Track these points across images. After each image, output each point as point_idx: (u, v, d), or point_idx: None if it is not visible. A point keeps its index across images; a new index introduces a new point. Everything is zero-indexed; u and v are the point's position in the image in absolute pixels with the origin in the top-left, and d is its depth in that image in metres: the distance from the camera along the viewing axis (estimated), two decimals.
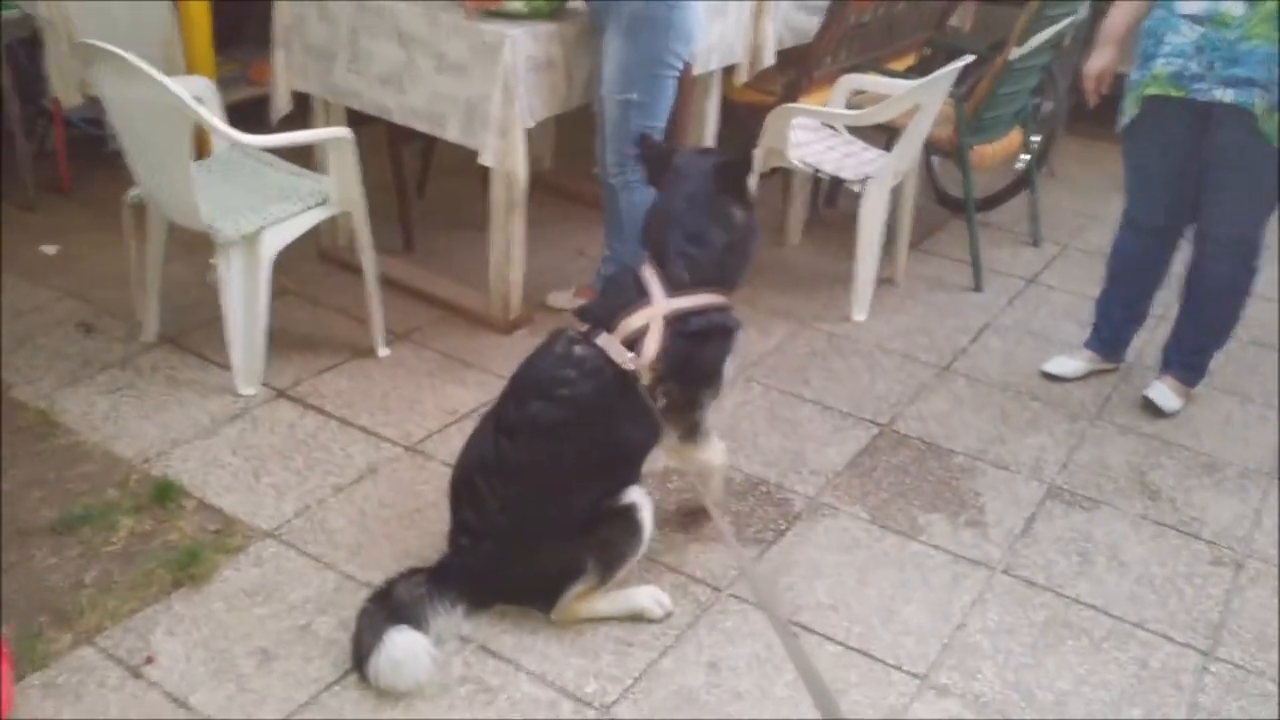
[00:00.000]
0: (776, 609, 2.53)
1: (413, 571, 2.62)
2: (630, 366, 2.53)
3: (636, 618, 2.68)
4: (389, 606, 2.50)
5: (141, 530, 2.85)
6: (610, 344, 2.56)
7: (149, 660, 2.47)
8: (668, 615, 2.70)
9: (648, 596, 2.72)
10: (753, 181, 2.72)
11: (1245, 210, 3.45)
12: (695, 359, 2.62)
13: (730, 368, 2.74)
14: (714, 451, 2.85)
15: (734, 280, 2.73)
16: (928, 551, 3.01)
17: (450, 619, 2.57)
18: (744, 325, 2.77)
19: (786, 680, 2.55)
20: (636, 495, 2.67)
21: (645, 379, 2.55)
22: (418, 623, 2.47)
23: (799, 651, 1.76)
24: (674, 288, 2.61)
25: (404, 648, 2.40)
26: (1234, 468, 3.46)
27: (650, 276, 2.63)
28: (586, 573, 2.61)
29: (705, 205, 2.66)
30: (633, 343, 2.56)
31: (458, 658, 2.54)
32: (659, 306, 2.59)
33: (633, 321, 2.57)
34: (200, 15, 4.31)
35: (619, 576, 2.66)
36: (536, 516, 2.58)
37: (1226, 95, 3.23)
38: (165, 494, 2.96)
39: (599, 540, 2.62)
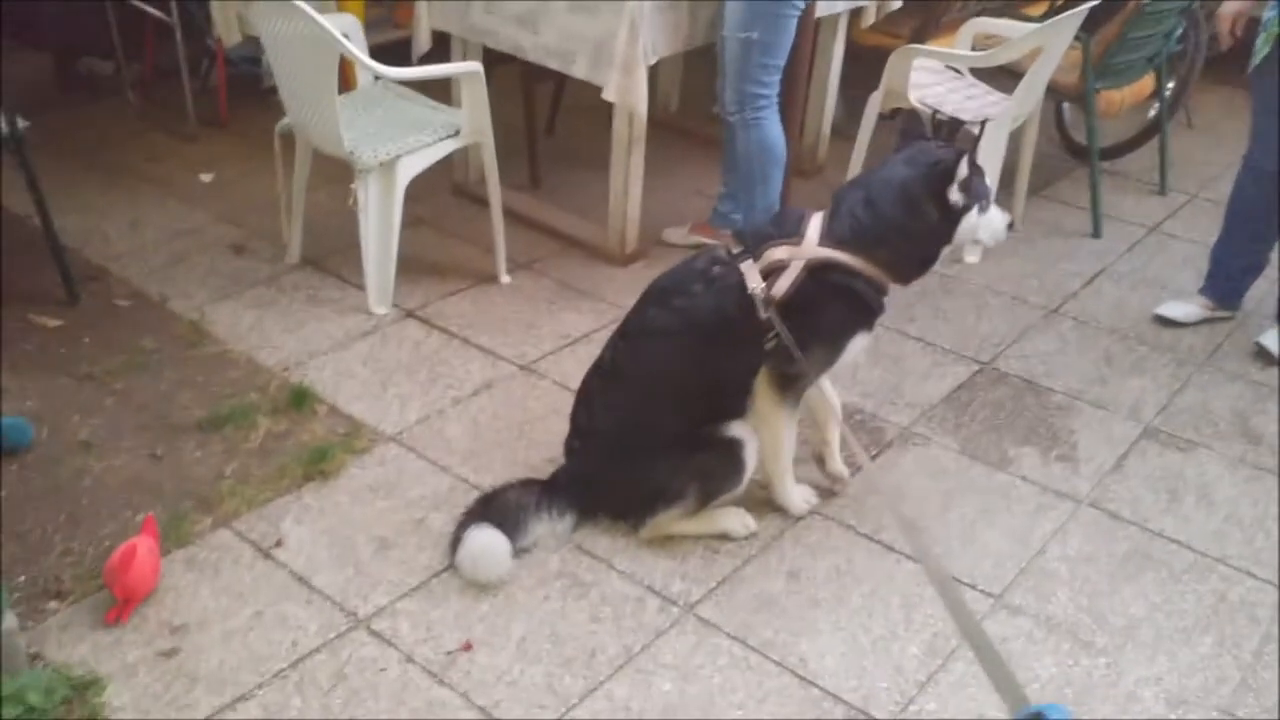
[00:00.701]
0: (900, 508, 2.70)
1: (528, 481, 2.83)
2: (755, 292, 2.58)
3: (722, 536, 2.82)
4: (488, 508, 2.71)
5: (278, 430, 3.13)
6: (749, 269, 2.61)
7: (279, 544, 2.74)
8: (751, 535, 2.83)
9: (735, 518, 2.82)
10: (957, 195, 2.58)
11: None
12: (817, 311, 2.60)
13: (854, 348, 2.72)
14: (778, 423, 2.76)
15: (898, 267, 2.65)
16: (1014, 482, 3.09)
17: (556, 526, 2.77)
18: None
19: (863, 591, 2.69)
20: (742, 431, 2.74)
21: (766, 312, 2.58)
22: (513, 525, 2.67)
23: (921, 546, 1.87)
24: (831, 239, 2.60)
25: (481, 544, 2.61)
26: None
27: (814, 221, 2.65)
28: (685, 499, 2.73)
29: (899, 188, 2.60)
30: (771, 275, 2.60)
31: (554, 555, 2.74)
32: (807, 247, 2.60)
33: (776, 253, 2.61)
34: None
35: (720, 500, 2.79)
36: (639, 425, 2.72)
37: None
38: (301, 399, 3.23)
39: (700, 468, 2.73)
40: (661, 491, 2.74)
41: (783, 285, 2.59)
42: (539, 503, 2.76)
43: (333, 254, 3.99)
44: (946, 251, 2.70)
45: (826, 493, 2.98)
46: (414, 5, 4.28)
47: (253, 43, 4.72)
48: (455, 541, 2.67)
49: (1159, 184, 4.94)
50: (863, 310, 2.68)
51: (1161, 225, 4.65)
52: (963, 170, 2.55)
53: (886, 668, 2.49)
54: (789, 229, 2.65)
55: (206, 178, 4.58)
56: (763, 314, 2.58)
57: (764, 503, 2.93)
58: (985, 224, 2.70)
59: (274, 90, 4.87)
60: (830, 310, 2.63)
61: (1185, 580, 2.79)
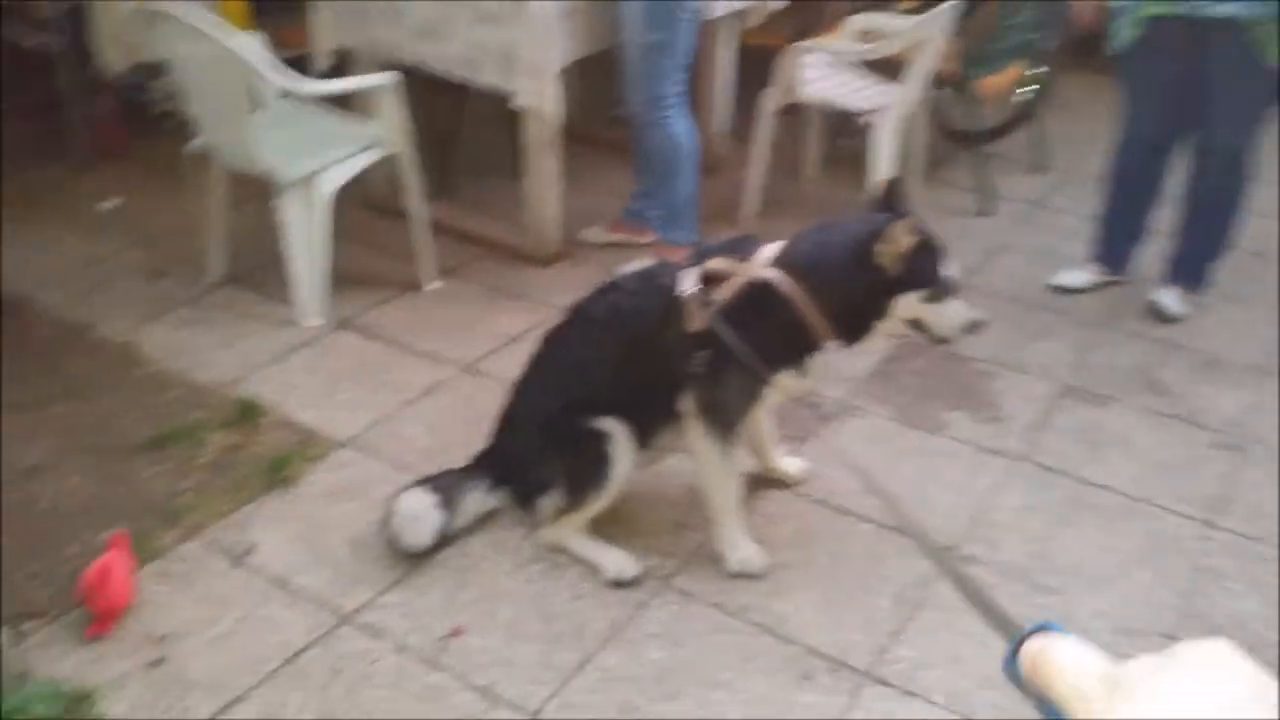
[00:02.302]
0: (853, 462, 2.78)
1: (449, 470, 2.88)
2: (683, 293, 2.52)
3: (598, 569, 2.73)
4: (414, 484, 2.77)
5: (229, 444, 3.11)
6: (687, 273, 2.56)
7: (250, 550, 2.74)
8: (622, 582, 2.69)
9: (613, 556, 2.72)
10: (891, 269, 2.44)
11: (1240, 123, 3.68)
12: (750, 332, 2.49)
13: (783, 384, 2.62)
14: (711, 459, 2.67)
15: (833, 318, 2.51)
16: (950, 444, 3.27)
17: (477, 494, 2.81)
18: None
19: (828, 551, 2.84)
20: (614, 427, 2.65)
21: (694, 322, 2.51)
22: (442, 496, 2.73)
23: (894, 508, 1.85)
24: (779, 266, 2.53)
25: (409, 505, 2.70)
26: (1236, 365, 3.71)
27: (768, 249, 2.58)
28: (553, 488, 2.72)
29: (848, 243, 2.48)
30: (710, 284, 2.53)
31: (526, 542, 2.80)
32: (752, 265, 2.53)
33: (717, 264, 2.55)
34: None
35: (589, 509, 2.71)
36: (531, 402, 2.80)
37: (1223, 10, 3.44)
38: (248, 412, 3.22)
39: (567, 458, 2.70)
40: (535, 475, 2.76)
41: (720, 295, 2.51)
42: (463, 476, 2.82)
43: (256, 271, 3.96)
44: (884, 325, 2.55)
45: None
46: (306, 25, 4.28)
47: (138, 70, 4.65)
48: (388, 515, 2.72)
49: (1038, 162, 5.23)
50: (795, 345, 2.56)
51: (1045, 200, 4.94)
52: (904, 240, 2.41)
53: (859, 620, 2.62)
54: (741, 252, 2.60)
55: (109, 205, 4.49)
56: (693, 324, 2.51)
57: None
58: (936, 313, 2.53)
59: (167, 115, 4.82)
60: (759, 334, 2.50)
61: (1118, 521, 2.99)
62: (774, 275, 2.51)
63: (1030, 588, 2.75)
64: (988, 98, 5.09)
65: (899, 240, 2.42)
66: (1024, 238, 4.59)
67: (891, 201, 2.62)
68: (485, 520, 2.85)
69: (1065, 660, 0.64)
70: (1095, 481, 3.13)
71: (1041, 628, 0.70)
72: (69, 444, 3.08)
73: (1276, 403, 3.50)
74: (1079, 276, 4.17)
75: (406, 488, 2.77)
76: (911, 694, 2.45)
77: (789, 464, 3.08)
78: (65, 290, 3.83)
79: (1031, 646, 0.68)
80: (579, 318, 2.78)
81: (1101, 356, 3.74)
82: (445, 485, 2.79)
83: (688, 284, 2.55)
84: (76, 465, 2.99)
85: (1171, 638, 2.57)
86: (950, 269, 2.54)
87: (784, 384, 2.65)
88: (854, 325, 2.56)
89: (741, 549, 2.75)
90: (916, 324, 2.57)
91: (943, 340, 2.61)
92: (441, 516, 2.72)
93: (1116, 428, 3.37)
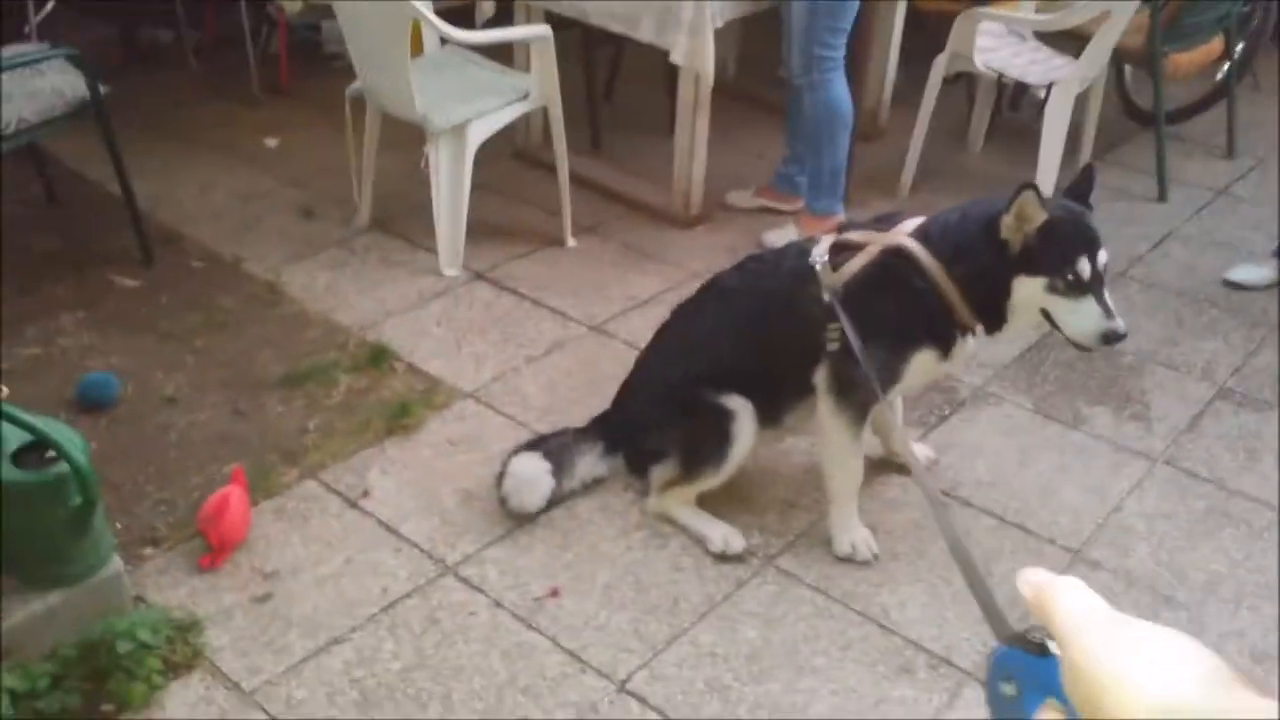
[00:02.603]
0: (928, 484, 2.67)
1: (565, 429, 2.87)
2: (816, 262, 2.47)
3: (702, 541, 2.68)
4: (529, 445, 2.78)
5: (358, 387, 3.18)
6: (823, 243, 2.52)
7: (365, 494, 2.80)
8: (726, 555, 2.64)
9: (719, 529, 2.68)
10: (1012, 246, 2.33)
11: None
12: (881, 304, 2.42)
13: (920, 364, 2.51)
14: (839, 437, 2.58)
15: (966, 295, 2.41)
16: (1089, 440, 3.09)
17: (590, 459, 2.80)
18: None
19: (941, 546, 2.69)
20: (739, 405, 2.60)
21: (829, 294, 2.43)
22: (555, 459, 2.72)
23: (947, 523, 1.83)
24: (919, 237, 2.44)
25: (522, 468, 2.69)
26: None
27: (910, 221, 2.51)
28: (668, 459, 2.69)
29: (982, 216, 2.39)
30: (844, 253, 2.47)
31: (634, 508, 2.78)
32: (890, 235, 2.46)
33: (854, 235, 2.51)
34: None
35: (701, 483, 2.68)
36: (659, 369, 2.76)
37: None
38: (379, 357, 3.28)
39: (686, 430, 2.67)
40: (652, 443, 2.73)
41: (852, 266, 2.44)
42: (577, 440, 2.81)
43: (401, 217, 4.03)
44: (1017, 311, 2.40)
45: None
46: None
47: (313, 11, 4.77)
48: (500, 475, 2.72)
49: (1226, 147, 4.89)
50: (930, 320, 2.46)
51: (1229, 189, 4.61)
52: (1029, 212, 2.28)
53: (968, 619, 2.51)
54: (884, 225, 2.53)
55: (272, 143, 4.63)
56: (823, 291, 2.44)
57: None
58: (1066, 309, 2.34)
59: (335, 57, 4.95)
60: (895, 306, 2.43)
61: (1265, 537, 2.79)
62: (911, 244, 2.42)
63: (1157, 600, 2.59)
64: (1177, 75, 4.78)
65: (1026, 214, 2.28)
66: (1202, 227, 4.31)
67: (1079, 189, 2.47)
68: (595, 484, 2.84)
69: (1069, 592, 0.64)
70: (1244, 492, 2.92)
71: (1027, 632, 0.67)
72: (207, 376, 3.19)
73: None
74: (1258, 273, 3.89)
75: (521, 448, 2.78)
76: None
77: (916, 450, 2.97)
78: (220, 225, 3.97)
79: (1033, 579, 0.67)
80: (714, 290, 2.74)
81: (1269, 359, 3.48)
82: (559, 448, 2.78)
83: (818, 253, 2.48)
84: (211, 398, 3.10)
85: None
86: (1095, 263, 2.33)
87: (924, 366, 2.54)
88: (985, 305, 2.43)
89: (853, 532, 2.67)
90: (1049, 319, 2.41)
91: (1079, 346, 2.43)
92: (553, 482, 2.72)
93: (1274, 438, 3.13)
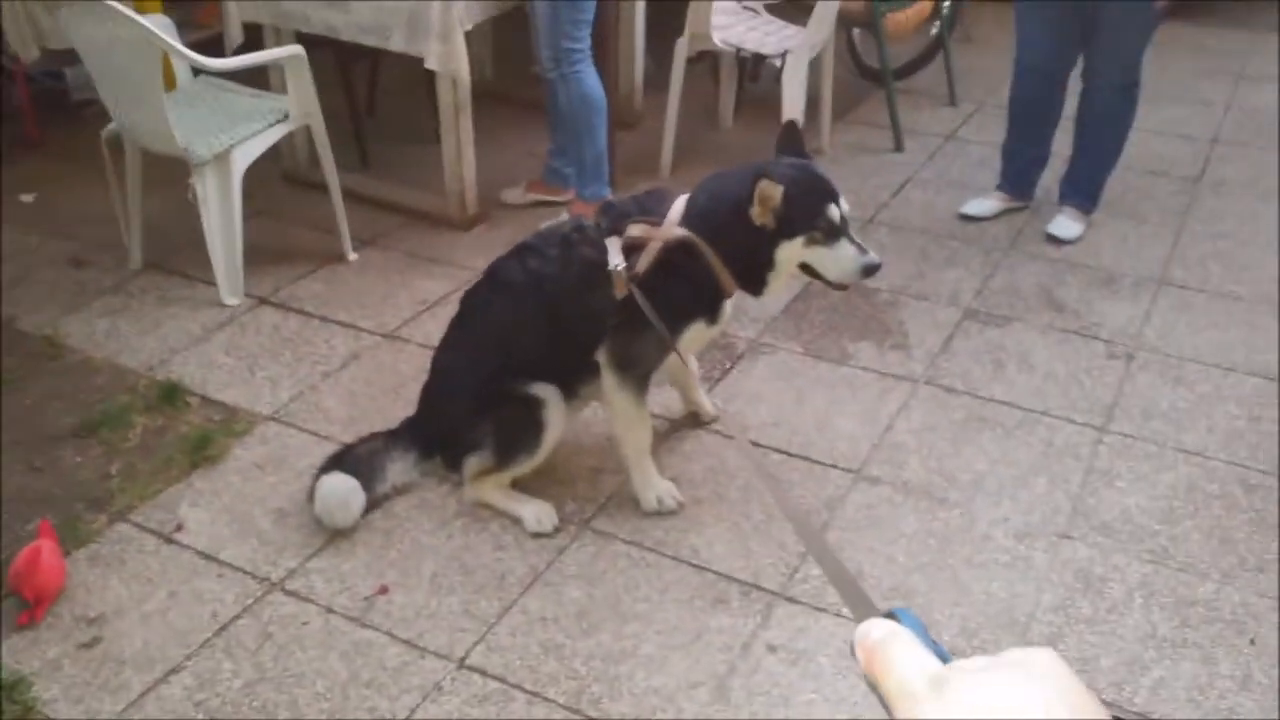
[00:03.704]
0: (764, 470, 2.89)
1: (375, 434, 2.96)
2: (617, 269, 2.59)
3: (519, 521, 2.82)
4: (340, 460, 2.84)
5: (154, 426, 3.18)
6: (613, 244, 2.63)
7: (179, 528, 2.82)
8: (542, 534, 2.78)
9: (533, 508, 2.81)
10: (760, 218, 2.53)
11: (1126, 43, 3.79)
12: (664, 291, 2.56)
13: (693, 333, 2.70)
14: (627, 407, 2.77)
15: (732, 267, 2.63)
16: (856, 373, 3.38)
17: (400, 465, 2.90)
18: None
19: (738, 485, 2.94)
20: (548, 393, 2.76)
21: (625, 290, 2.58)
22: (366, 471, 2.80)
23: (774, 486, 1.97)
24: (687, 222, 2.62)
25: (330, 488, 2.76)
26: (1129, 278, 3.85)
27: (677, 203, 2.67)
28: (481, 450, 2.80)
29: (732, 192, 2.57)
30: (632, 253, 2.62)
31: (451, 499, 2.90)
32: (666, 228, 2.62)
33: (635, 231, 2.63)
34: None
35: (516, 470, 2.82)
36: (461, 370, 2.86)
37: None
38: (171, 394, 3.28)
39: (499, 420, 2.79)
40: (464, 438, 2.83)
41: (643, 263, 2.60)
42: (387, 447, 2.90)
43: (175, 254, 4.00)
44: (775, 274, 2.63)
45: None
46: (218, 3, 4.30)
47: (54, 57, 4.66)
48: (310, 494, 2.79)
49: (949, 96, 5.33)
50: (705, 296, 2.67)
51: (957, 133, 5.04)
52: (770, 194, 2.50)
53: (770, 546, 2.74)
54: (652, 208, 2.68)
55: (27, 198, 4.50)
56: (620, 293, 2.59)
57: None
58: (826, 257, 2.58)
59: (85, 104, 4.83)
60: (675, 290, 2.61)
61: (1016, 435, 3.12)
62: (686, 234, 2.61)
63: (933, 502, 2.88)
64: (898, 34, 5.18)
65: (767, 195, 2.50)
66: (935, 170, 4.70)
67: (790, 145, 2.70)
68: (410, 483, 2.93)
69: (898, 657, 0.62)
70: (995, 398, 3.26)
71: (892, 614, 0.67)
72: None
73: (1164, 310, 3.65)
74: (986, 205, 4.29)
75: (328, 463, 2.84)
76: (821, 610, 2.57)
77: (705, 402, 3.18)
78: None
79: (869, 637, 0.65)
80: (499, 282, 2.84)
81: (1004, 280, 3.86)
82: (369, 455, 2.86)
83: (614, 257, 2.61)
84: (4, 458, 3.05)
85: (1066, 536, 2.74)
86: (840, 209, 2.59)
87: (698, 334, 2.75)
88: (752, 276, 2.66)
89: (656, 488, 2.86)
90: (810, 270, 2.65)
91: (840, 286, 2.69)
92: (363, 495, 2.79)
93: (1017, 346, 3.50)
